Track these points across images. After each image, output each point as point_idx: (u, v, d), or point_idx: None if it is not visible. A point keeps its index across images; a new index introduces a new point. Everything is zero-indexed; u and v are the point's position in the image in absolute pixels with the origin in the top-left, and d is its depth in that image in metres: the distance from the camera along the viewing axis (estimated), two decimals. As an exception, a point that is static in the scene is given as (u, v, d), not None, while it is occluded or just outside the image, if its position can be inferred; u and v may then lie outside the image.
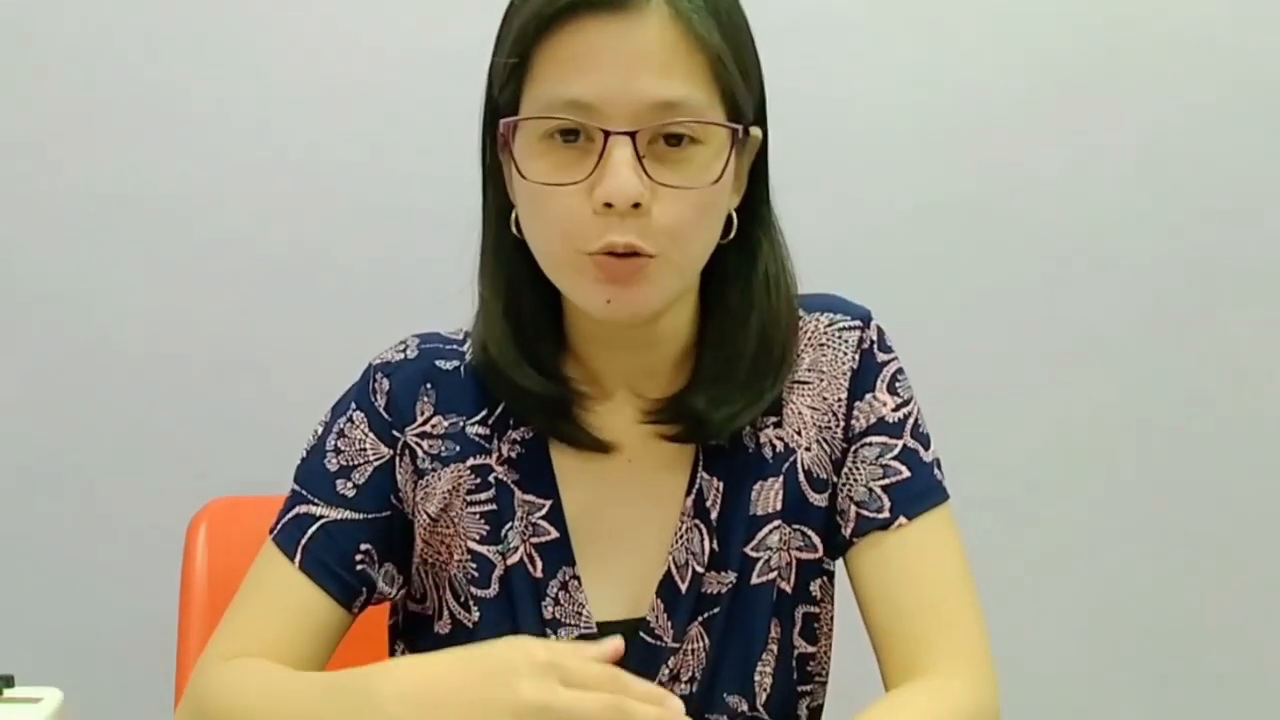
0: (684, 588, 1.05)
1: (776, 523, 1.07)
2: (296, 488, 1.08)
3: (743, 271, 1.06)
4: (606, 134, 0.95)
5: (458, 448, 1.07)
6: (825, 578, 1.11)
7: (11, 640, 1.69)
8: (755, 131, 1.04)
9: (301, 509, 1.06)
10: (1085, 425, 1.93)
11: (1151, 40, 1.88)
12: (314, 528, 1.05)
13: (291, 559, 1.04)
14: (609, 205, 0.95)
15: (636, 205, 0.95)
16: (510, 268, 1.05)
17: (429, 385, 1.08)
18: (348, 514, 1.06)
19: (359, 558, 1.05)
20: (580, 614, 1.05)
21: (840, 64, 1.83)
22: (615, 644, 0.88)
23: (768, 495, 1.08)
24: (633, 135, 0.95)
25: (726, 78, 0.98)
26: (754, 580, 1.07)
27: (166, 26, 1.73)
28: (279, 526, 1.07)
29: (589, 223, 0.96)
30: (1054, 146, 1.88)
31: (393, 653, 1.13)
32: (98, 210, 1.74)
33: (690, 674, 1.05)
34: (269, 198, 1.76)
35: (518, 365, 1.04)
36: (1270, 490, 1.95)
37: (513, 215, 1.03)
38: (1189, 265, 1.92)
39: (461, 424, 1.07)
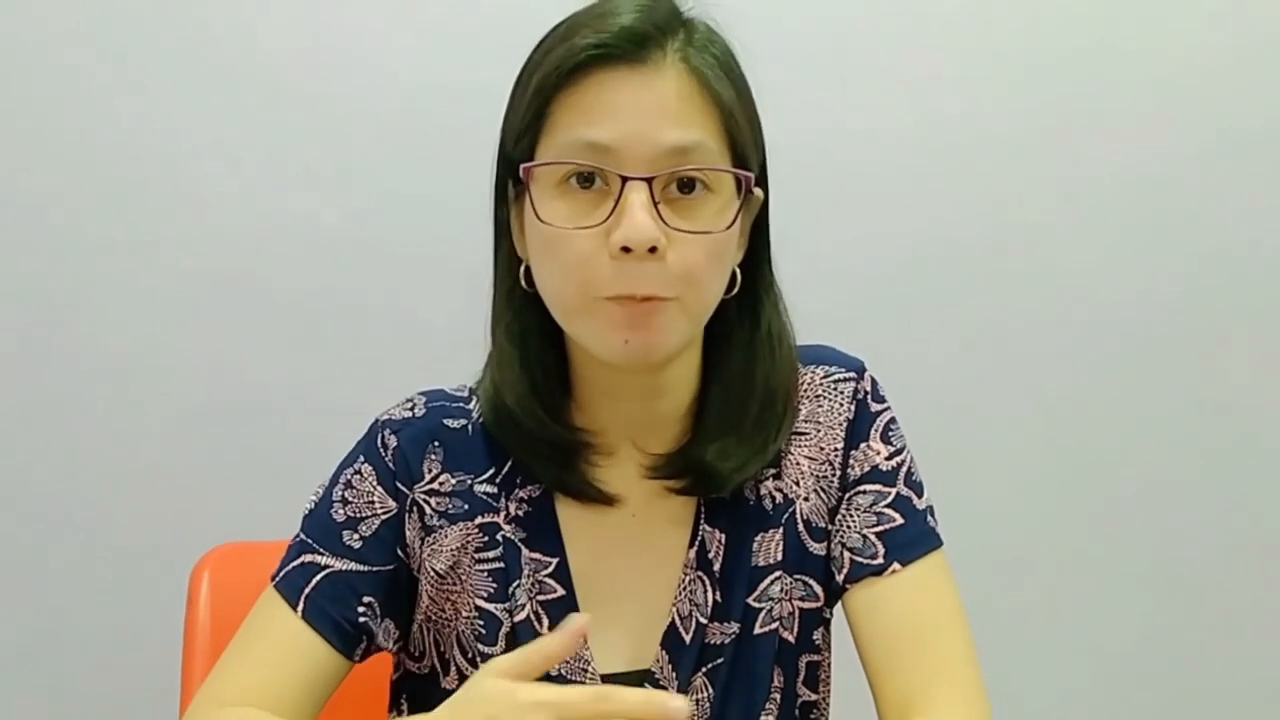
0: (688, 639, 1.07)
1: (778, 573, 1.09)
2: (302, 536, 1.09)
3: (746, 329, 1.08)
4: (624, 179, 0.97)
5: (466, 506, 1.08)
6: (825, 626, 1.13)
7: (7, 688, 1.70)
8: (757, 191, 1.06)
9: (307, 558, 1.07)
10: (1080, 465, 1.95)
11: (1139, 83, 1.91)
12: (319, 577, 1.06)
13: (294, 607, 1.05)
14: (626, 250, 0.97)
15: (653, 250, 0.97)
16: (523, 318, 1.07)
17: (436, 444, 1.09)
18: (353, 565, 1.06)
19: (361, 610, 1.06)
20: (585, 668, 1.06)
21: (826, 104, 1.85)
22: (580, 624, 0.87)
23: (769, 546, 1.10)
24: (649, 181, 0.97)
25: (736, 131, 1.02)
26: (757, 630, 1.09)
27: (173, 67, 1.74)
28: (282, 573, 1.07)
29: (605, 267, 0.98)
30: (1041, 189, 1.91)
31: (394, 707, 1.14)
32: (104, 253, 1.73)
33: (695, 724, 1.07)
34: (280, 242, 1.76)
35: (533, 413, 1.06)
36: (1267, 533, 1.98)
37: (521, 269, 1.05)
38: (1178, 305, 1.95)
39: (470, 482, 1.09)
